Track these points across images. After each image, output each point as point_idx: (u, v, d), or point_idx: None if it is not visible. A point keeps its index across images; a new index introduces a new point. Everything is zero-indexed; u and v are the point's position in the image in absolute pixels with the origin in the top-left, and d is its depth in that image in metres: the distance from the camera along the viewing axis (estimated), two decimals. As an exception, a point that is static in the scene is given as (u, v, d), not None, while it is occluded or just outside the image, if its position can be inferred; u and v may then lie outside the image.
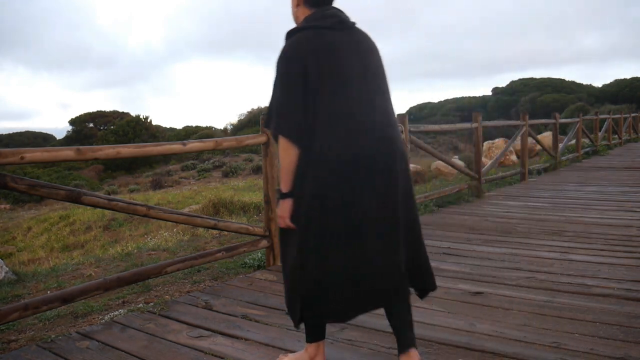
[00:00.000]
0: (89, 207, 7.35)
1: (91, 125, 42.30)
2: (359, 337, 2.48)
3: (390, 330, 2.09)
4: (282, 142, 1.89)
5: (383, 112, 1.96)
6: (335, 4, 2.03)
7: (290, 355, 2.26)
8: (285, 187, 1.94)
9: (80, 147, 2.81)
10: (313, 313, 1.98)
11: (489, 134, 18.40)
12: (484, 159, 9.06)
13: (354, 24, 2.01)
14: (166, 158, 26.89)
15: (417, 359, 1.96)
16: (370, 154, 1.88)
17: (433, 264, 3.64)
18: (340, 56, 1.90)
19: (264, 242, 3.81)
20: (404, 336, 1.99)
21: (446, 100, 53.27)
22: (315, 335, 2.09)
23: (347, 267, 1.89)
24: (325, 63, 1.87)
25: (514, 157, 13.04)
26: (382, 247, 1.91)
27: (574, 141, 12.07)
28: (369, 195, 1.88)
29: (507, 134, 16.80)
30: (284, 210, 1.95)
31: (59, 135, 48.99)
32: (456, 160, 12.16)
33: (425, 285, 2.09)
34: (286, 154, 1.89)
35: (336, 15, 1.95)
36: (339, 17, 1.96)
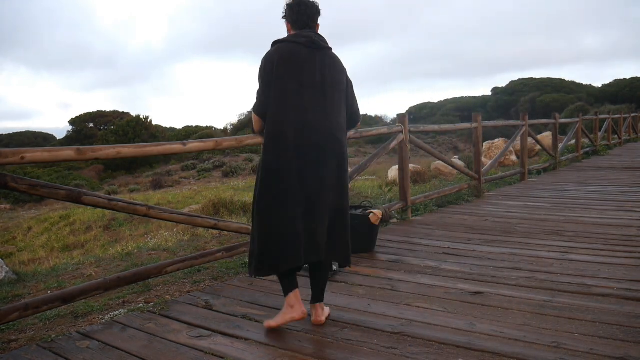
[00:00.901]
0: (89, 207, 7.36)
1: (91, 125, 42.33)
2: (359, 337, 2.48)
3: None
4: (254, 116, 2.64)
5: (332, 117, 2.52)
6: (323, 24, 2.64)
7: (275, 317, 2.61)
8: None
9: (81, 147, 2.81)
10: (263, 264, 2.52)
11: (489, 134, 18.41)
12: (483, 159, 9.07)
13: (324, 46, 2.56)
14: (166, 158, 26.90)
15: (321, 308, 2.66)
16: (316, 145, 2.46)
17: (433, 263, 3.68)
18: (302, 66, 2.47)
19: (264, 242, 3.81)
20: (317, 292, 2.66)
21: (446, 100, 53.30)
22: (288, 287, 2.57)
23: (288, 226, 2.45)
24: (288, 69, 2.45)
25: (513, 157, 13.04)
26: (315, 217, 2.49)
27: (573, 141, 12.07)
28: (312, 175, 2.47)
29: (507, 134, 16.81)
30: None
31: (60, 135, 49.07)
32: (456, 160, 12.17)
33: (341, 261, 2.68)
34: (255, 124, 2.68)
35: (309, 37, 2.51)
36: (311, 38, 2.51)
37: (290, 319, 2.55)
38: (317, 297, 2.67)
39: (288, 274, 2.57)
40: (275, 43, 2.55)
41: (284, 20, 2.64)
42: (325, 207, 2.51)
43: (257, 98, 2.57)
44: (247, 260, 3.95)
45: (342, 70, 2.61)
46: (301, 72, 2.45)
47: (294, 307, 2.54)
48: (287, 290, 2.57)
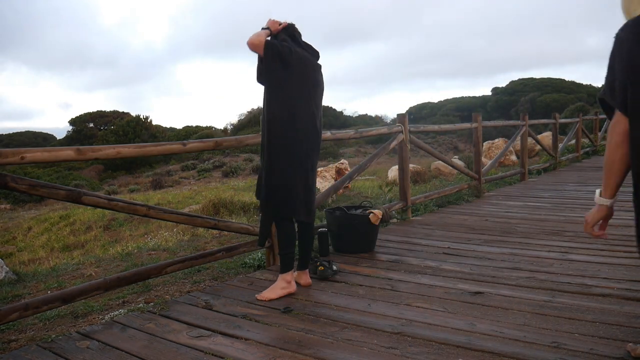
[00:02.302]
0: (89, 207, 7.36)
1: (91, 125, 42.30)
2: (359, 337, 2.48)
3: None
4: (259, 43, 3.06)
5: (319, 114, 3.14)
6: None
7: (271, 291, 3.05)
8: None
9: (81, 147, 2.81)
10: (279, 212, 3.10)
11: (489, 134, 18.42)
12: (483, 159, 9.07)
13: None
14: (166, 158, 26.89)
15: (307, 274, 3.27)
16: (311, 133, 3.06)
17: (433, 263, 3.68)
18: (311, 71, 3.08)
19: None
20: (303, 260, 3.28)
21: (446, 100, 53.24)
22: (286, 266, 3.07)
23: (292, 190, 3.03)
24: (306, 70, 3.05)
25: (513, 157, 13.04)
26: (311, 186, 3.12)
27: (573, 141, 12.08)
28: (312, 155, 3.08)
29: (507, 134, 16.81)
30: None
31: (60, 136, 49.01)
32: (456, 160, 12.16)
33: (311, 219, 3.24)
34: (257, 45, 3.08)
35: (314, 51, 3.17)
36: (310, 46, 3.15)
37: (287, 293, 3.05)
38: (304, 265, 3.28)
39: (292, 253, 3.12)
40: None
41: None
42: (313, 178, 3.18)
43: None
44: (246, 260, 3.98)
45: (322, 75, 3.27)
46: (310, 75, 3.07)
47: (290, 282, 3.08)
48: (285, 269, 3.08)
